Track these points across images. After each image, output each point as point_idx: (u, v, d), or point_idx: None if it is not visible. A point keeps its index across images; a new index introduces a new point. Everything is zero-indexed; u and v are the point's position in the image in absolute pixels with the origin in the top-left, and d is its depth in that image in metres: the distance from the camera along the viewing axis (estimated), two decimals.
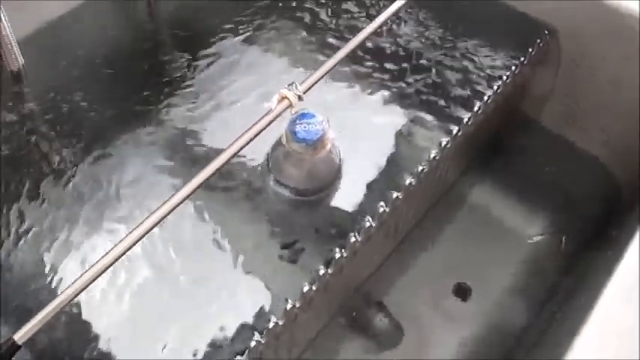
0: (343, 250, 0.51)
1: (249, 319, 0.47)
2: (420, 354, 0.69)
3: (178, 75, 0.62)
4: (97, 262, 0.40)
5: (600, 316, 0.47)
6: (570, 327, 0.49)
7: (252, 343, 0.45)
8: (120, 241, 0.41)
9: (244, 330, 0.46)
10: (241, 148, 0.46)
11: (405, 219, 0.64)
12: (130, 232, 0.41)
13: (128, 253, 0.41)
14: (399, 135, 0.59)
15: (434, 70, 0.65)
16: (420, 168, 0.57)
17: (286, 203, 0.55)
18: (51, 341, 0.45)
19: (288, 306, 0.47)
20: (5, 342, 0.37)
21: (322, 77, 0.51)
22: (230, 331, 0.46)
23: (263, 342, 0.46)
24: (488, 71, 0.65)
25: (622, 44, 0.68)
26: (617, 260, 0.51)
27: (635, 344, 0.46)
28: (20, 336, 0.37)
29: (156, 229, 0.42)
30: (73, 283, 0.39)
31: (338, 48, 0.52)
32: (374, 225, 0.53)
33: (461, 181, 0.80)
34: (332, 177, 0.54)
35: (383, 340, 0.70)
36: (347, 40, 0.53)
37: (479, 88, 0.63)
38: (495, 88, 0.63)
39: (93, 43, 0.65)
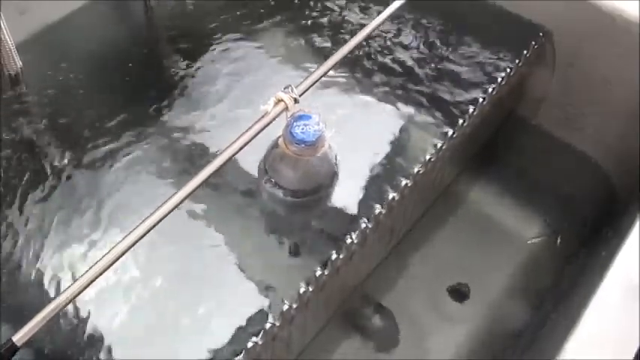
0: (339, 252, 0.51)
1: (246, 320, 0.47)
2: (417, 354, 0.69)
3: (176, 78, 0.63)
4: (95, 264, 0.40)
5: (594, 316, 0.48)
6: (566, 327, 0.49)
7: (250, 344, 0.46)
8: (117, 244, 0.41)
9: (241, 330, 0.46)
10: (238, 151, 0.46)
11: (401, 220, 0.64)
12: (127, 235, 0.41)
13: (124, 256, 0.41)
14: (394, 137, 0.60)
15: (429, 73, 0.65)
16: (416, 169, 0.57)
17: (283, 205, 0.55)
18: (49, 343, 0.45)
19: (285, 307, 0.48)
20: (4, 344, 0.37)
21: (319, 80, 0.51)
22: (227, 332, 0.46)
23: (260, 343, 0.46)
24: (483, 73, 0.65)
25: (618, 45, 0.68)
26: (611, 260, 0.51)
27: (630, 344, 0.46)
28: (19, 337, 0.37)
29: (152, 232, 0.42)
30: (71, 286, 0.39)
31: (334, 50, 0.53)
32: (370, 226, 0.53)
33: (457, 182, 0.80)
34: (328, 178, 0.55)
35: (380, 341, 0.70)
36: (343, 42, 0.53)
37: (474, 89, 0.64)
38: (491, 90, 0.64)
39: (91, 46, 0.65)
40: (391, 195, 0.55)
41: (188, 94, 0.61)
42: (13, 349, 0.37)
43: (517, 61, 0.67)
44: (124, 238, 0.41)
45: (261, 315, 0.47)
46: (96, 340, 0.45)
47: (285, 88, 0.48)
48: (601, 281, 0.50)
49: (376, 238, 0.56)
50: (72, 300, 0.39)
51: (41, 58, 0.64)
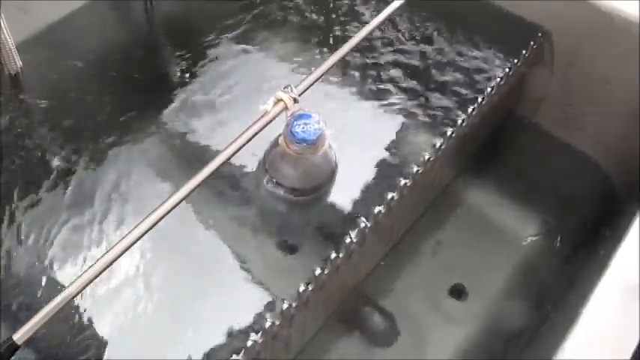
0: (339, 251, 0.51)
1: (246, 319, 0.47)
2: (415, 354, 0.69)
3: (176, 77, 0.63)
4: (96, 262, 0.40)
5: (592, 315, 0.48)
6: (564, 326, 0.49)
7: (249, 343, 0.46)
8: (116, 243, 0.41)
9: (241, 329, 0.46)
10: (237, 150, 0.47)
11: (400, 220, 0.64)
12: (127, 234, 0.42)
13: (125, 254, 0.41)
14: (393, 136, 0.60)
15: (428, 72, 0.65)
16: (415, 169, 0.57)
17: (282, 203, 0.55)
18: (50, 341, 0.45)
19: (285, 306, 0.48)
20: (4, 342, 0.37)
21: (318, 79, 0.51)
22: (227, 331, 0.46)
23: (260, 342, 0.46)
24: (482, 73, 0.65)
25: (618, 45, 0.68)
26: (609, 260, 0.51)
27: (628, 343, 0.46)
28: (19, 336, 0.37)
29: (152, 232, 0.42)
30: (70, 285, 0.39)
31: (334, 49, 0.53)
32: (369, 225, 0.53)
33: (456, 181, 0.80)
34: (328, 177, 0.55)
35: (380, 341, 0.70)
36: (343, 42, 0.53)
37: (473, 90, 0.64)
38: (489, 89, 0.64)
39: (91, 46, 0.66)
40: (390, 195, 0.55)
41: (188, 94, 0.61)
42: (14, 347, 0.37)
43: (516, 61, 0.67)
44: (123, 238, 0.41)
45: (260, 314, 0.47)
46: (95, 339, 0.45)
47: (284, 88, 0.49)
48: (599, 281, 0.50)
49: (375, 237, 0.56)
50: (72, 299, 0.39)
51: (41, 57, 0.64)
